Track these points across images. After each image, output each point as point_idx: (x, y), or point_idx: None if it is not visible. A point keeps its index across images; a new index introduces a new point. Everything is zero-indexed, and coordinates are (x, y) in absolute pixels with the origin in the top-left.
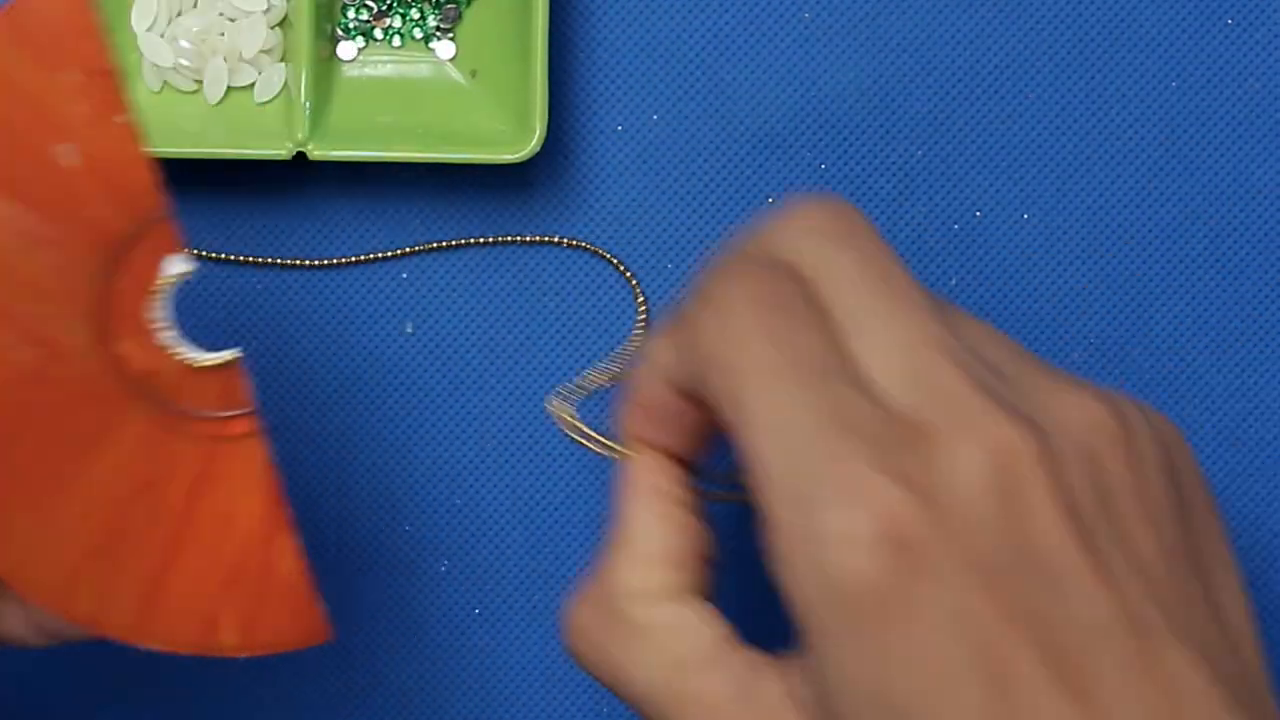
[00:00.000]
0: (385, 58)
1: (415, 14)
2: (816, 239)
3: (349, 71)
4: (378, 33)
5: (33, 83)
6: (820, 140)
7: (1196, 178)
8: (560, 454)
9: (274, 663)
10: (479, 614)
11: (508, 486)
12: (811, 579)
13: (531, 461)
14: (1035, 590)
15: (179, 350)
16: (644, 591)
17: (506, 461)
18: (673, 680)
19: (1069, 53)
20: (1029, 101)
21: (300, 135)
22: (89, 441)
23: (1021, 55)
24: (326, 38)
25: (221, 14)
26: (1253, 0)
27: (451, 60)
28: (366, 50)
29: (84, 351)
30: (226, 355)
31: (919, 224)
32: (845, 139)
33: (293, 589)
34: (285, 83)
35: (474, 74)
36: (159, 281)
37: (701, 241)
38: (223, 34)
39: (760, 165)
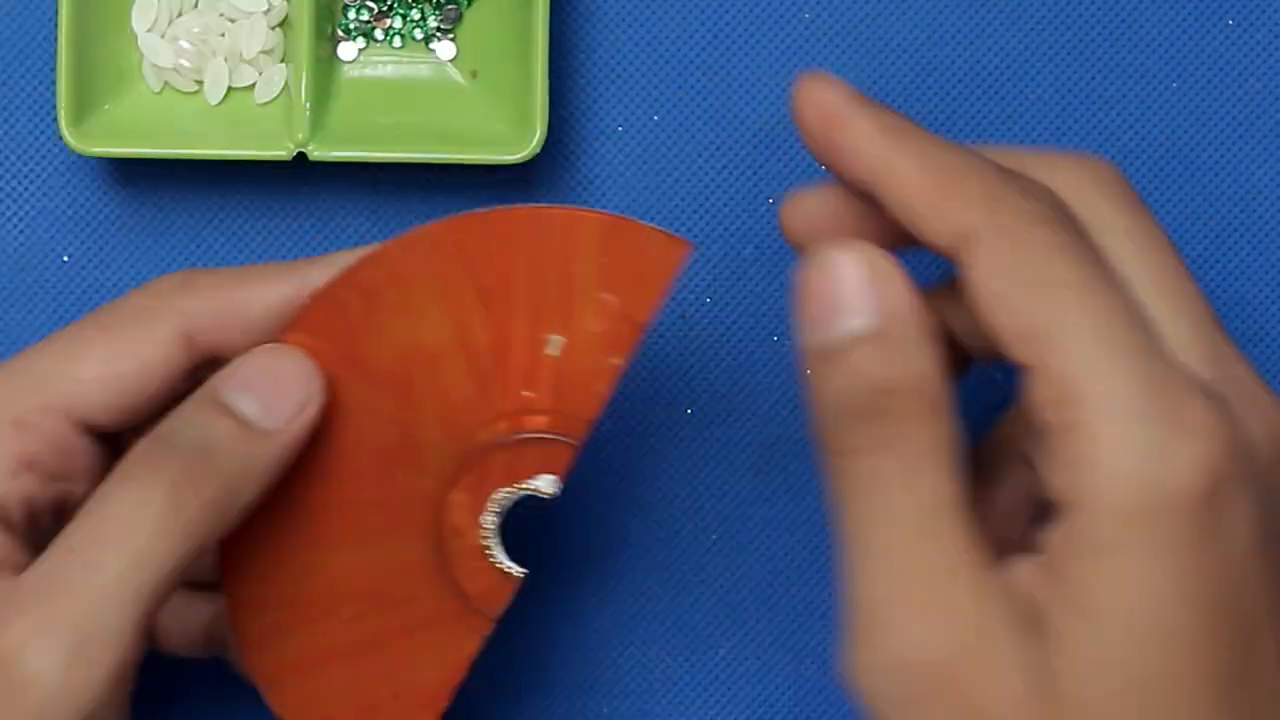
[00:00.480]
0: (386, 58)
1: (416, 15)
2: (1111, 195)
3: (350, 72)
4: (378, 33)
5: (587, 277)
6: None
7: (1196, 178)
8: None
9: None
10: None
11: None
12: (1135, 491)
13: None
14: None
15: (490, 537)
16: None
17: None
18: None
19: (1069, 53)
20: (1029, 101)
21: (300, 136)
22: (375, 528)
23: (1021, 55)
24: (327, 38)
25: (222, 14)
26: (1253, 0)
27: (452, 61)
28: (367, 51)
29: (430, 471)
30: (516, 570)
31: None
32: None
33: None
34: (286, 83)
35: (474, 75)
36: (526, 483)
37: (701, 242)
38: (223, 34)
39: (760, 165)
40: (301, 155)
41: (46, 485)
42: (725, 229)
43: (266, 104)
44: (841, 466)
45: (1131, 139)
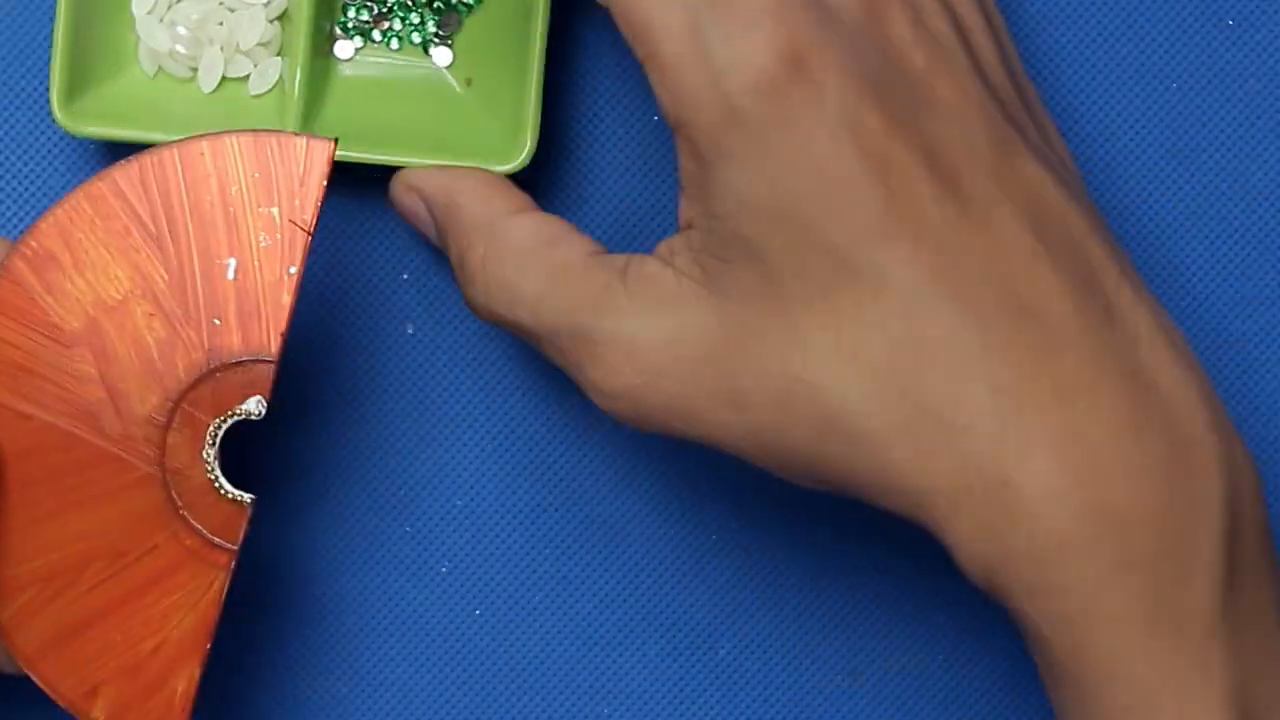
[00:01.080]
0: (382, 59)
1: (415, 19)
2: None
3: (345, 70)
4: (376, 34)
5: (242, 198)
6: None
7: (1196, 178)
8: (560, 455)
9: (274, 663)
10: (479, 614)
11: (508, 487)
12: (710, 104)
13: (531, 462)
14: (910, 104)
15: (214, 470)
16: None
17: (507, 462)
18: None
19: (1069, 53)
20: None
21: (292, 130)
22: (97, 489)
23: (1022, 55)
24: (325, 35)
25: (222, 3)
26: (1253, 0)
27: (448, 67)
28: (364, 50)
29: (140, 420)
30: (245, 497)
31: None
32: None
33: (173, 708)
34: (280, 77)
35: (469, 82)
36: (235, 409)
37: None
38: (221, 23)
39: None
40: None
41: None
42: None
43: (260, 96)
44: None
45: (1131, 139)
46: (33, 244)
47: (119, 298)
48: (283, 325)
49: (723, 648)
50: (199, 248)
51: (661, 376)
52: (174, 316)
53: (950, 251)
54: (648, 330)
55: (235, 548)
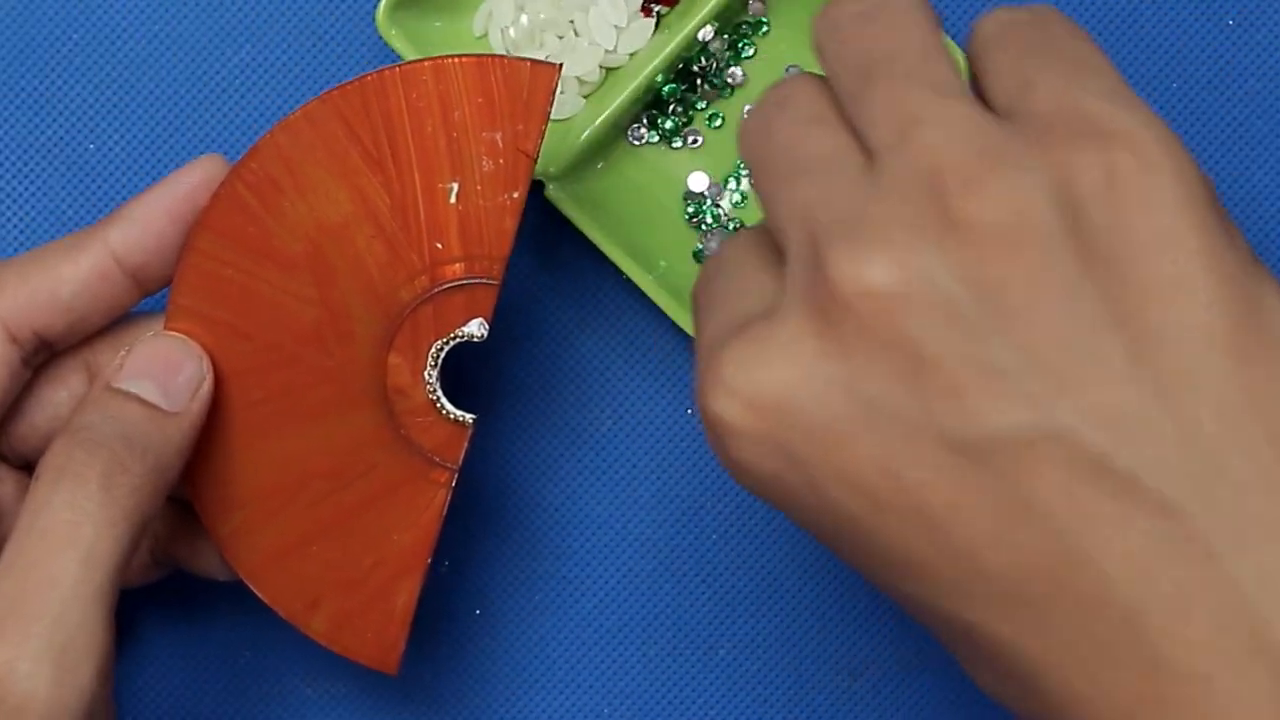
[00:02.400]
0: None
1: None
2: None
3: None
4: (655, 135)
5: (465, 122)
6: None
7: None
8: (560, 454)
9: (275, 660)
10: (479, 614)
11: (508, 487)
12: None
13: (532, 462)
14: None
15: (435, 391)
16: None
17: (507, 462)
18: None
19: None
20: None
21: (553, 169)
22: (317, 409)
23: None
24: (633, 112)
25: (572, 22)
26: (1253, 0)
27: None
28: (647, 145)
29: (361, 341)
30: (467, 417)
31: None
32: None
33: (393, 619)
34: (571, 118)
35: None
36: (457, 331)
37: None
38: (560, 37)
39: None
40: (541, 183)
41: None
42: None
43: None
44: None
45: None
46: (253, 167)
47: (340, 220)
48: (505, 249)
49: (723, 648)
50: (421, 171)
51: None
52: (395, 239)
53: None
54: None
55: (456, 466)
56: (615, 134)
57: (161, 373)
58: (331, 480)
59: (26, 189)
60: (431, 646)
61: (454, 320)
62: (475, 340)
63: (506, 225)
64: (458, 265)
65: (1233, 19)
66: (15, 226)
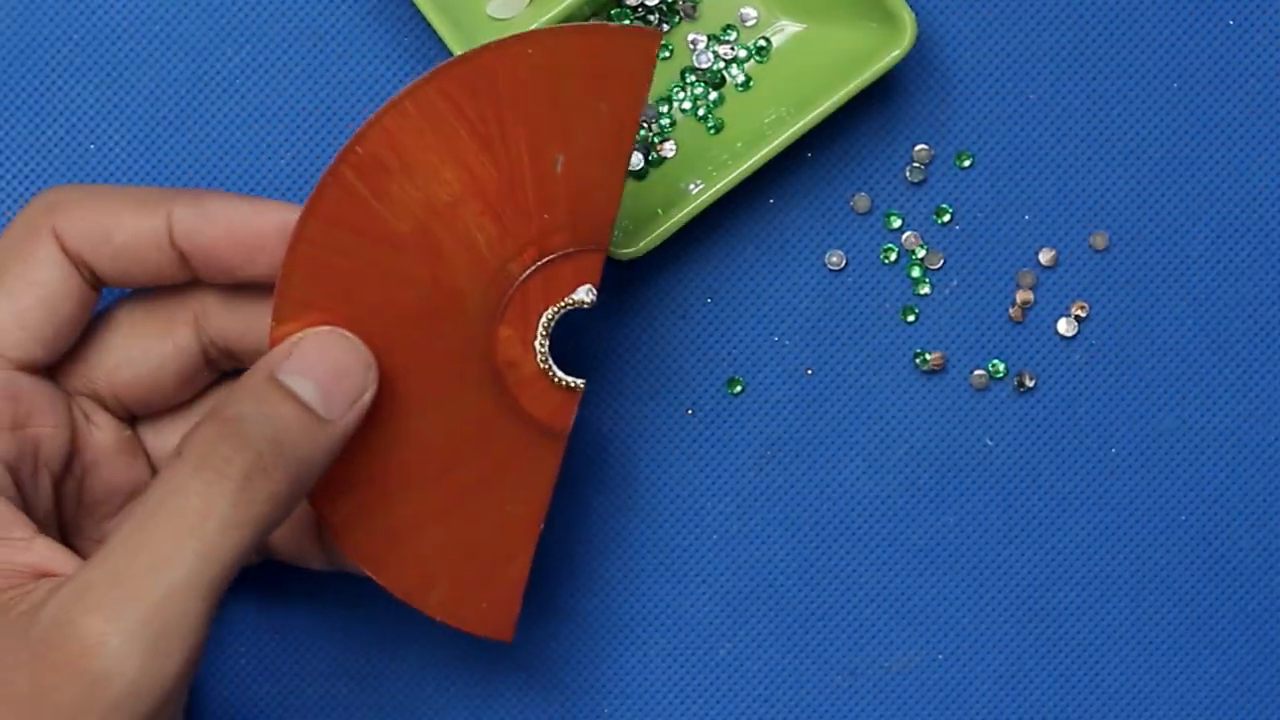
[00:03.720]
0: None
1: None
2: None
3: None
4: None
5: (571, 93)
6: (820, 140)
7: (1196, 178)
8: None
9: (276, 659)
10: None
11: None
12: None
13: None
14: None
15: (546, 359)
16: None
17: None
18: None
19: (1069, 53)
20: (1029, 101)
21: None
22: (429, 389)
23: (1022, 55)
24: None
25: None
26: (1253, 0)
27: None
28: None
29: (472, 317)
30: (578, 383)
31: (919, 223)
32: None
33: (508, 588)
34: (513, 18)
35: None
36: (567, 299)
37: (702, 242)
38: None
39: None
40: None
41: (7, 438)
42: (726, 230)
43: (492, 19)
44: None
45: (1132, 139)
46: (359, 150)
47: (448, 199)
48: (611, 214)
49: (722, 648)
50: (527, 144)
51: None
52: (504, 214)
53: None
54: None
55: (565, 434)
56: None
57: (326, 375)
58: (445, 460)
59: (26, 189)
60: (431, 650)
61: (563, 289)
62: (585, 307)
63: (611, 190)
64: (565, 235)
65: (1233, 19)
66: None
